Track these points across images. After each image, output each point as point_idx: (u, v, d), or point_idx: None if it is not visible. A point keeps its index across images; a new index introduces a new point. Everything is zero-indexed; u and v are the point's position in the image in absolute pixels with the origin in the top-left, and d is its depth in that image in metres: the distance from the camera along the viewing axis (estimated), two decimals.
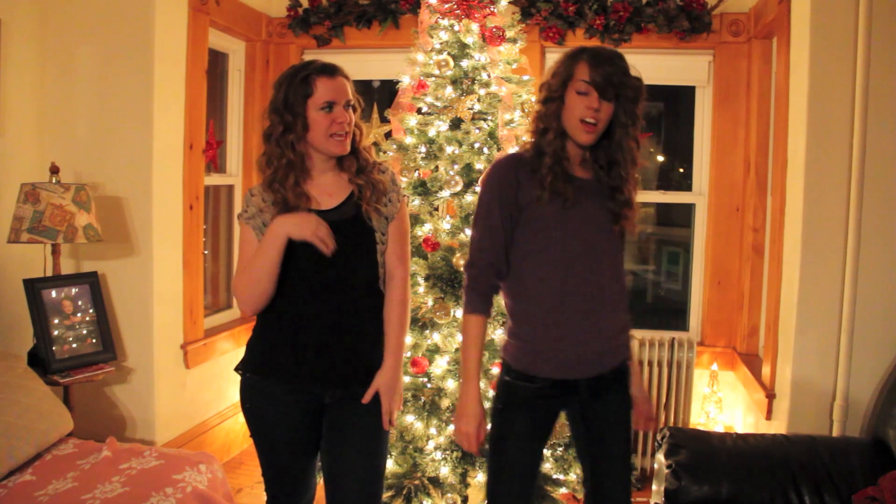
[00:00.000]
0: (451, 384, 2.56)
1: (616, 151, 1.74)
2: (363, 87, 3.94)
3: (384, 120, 2.98)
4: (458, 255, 2.56)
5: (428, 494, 2.52)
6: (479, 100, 2.66)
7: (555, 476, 2.58)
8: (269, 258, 1.75)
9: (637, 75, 1.72)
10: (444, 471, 2.52)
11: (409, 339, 2.61)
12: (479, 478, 2.54)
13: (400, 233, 1.91)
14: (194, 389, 3.30)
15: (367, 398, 1.83)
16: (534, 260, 1.76)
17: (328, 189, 1.85)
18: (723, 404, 3.37)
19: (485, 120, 2.68)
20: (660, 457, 2.29)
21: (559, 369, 1.77)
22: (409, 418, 2.58)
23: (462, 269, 2.42)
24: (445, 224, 2.64)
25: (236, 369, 1.91)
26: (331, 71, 1.79)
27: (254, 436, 1.91)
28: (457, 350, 2.59)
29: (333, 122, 1.77)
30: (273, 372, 1.84)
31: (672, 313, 3.82)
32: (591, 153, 1.79)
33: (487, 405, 2.61)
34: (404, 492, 2.52)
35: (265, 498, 1.96)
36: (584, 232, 1.75)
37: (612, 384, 1.83)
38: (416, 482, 2.52)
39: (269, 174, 1.81)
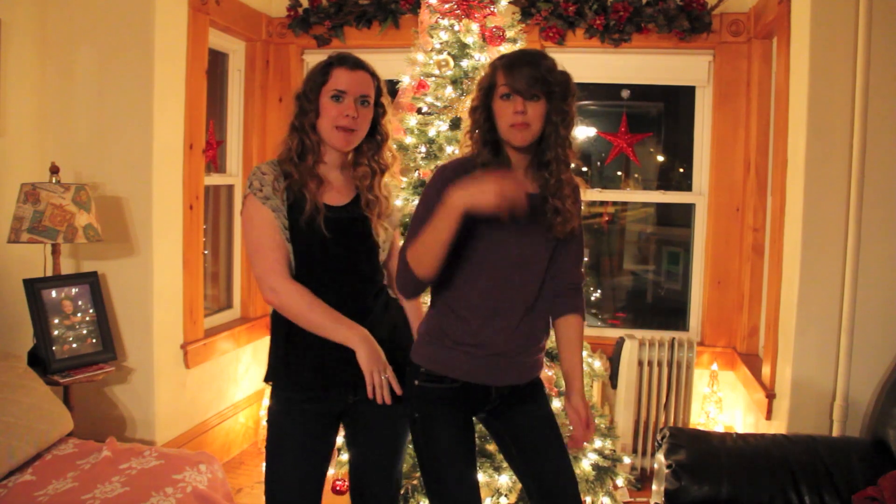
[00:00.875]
0: None
1: (546, 152, 1.70)
2: None
3: None
4: None
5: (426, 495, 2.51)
6: None
7: None
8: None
9: (563, 70, 1.70)
10: None
11: None
12: (480, 478, 2.53)
13: (396, 243, 1.96)
14: (194, 389, 3.30)
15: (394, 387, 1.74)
16: (467, 266, 1.72)
17: (337, 186, 1.84)
18: (723, 404, 3.37)
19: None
20: (660, 457, 2.29)
21: (473, 375, 1.74)
22: None
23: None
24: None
25: (266, 380, 1.87)
26: (351, 63, 1.79)
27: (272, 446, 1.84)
28: None
29: (339, 114, 1.75)
30: (295, 380, 1.81)
31: (672, 313, 3.82)
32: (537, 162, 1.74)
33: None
34: (403, 492, 2.52)
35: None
36: (515, 245, 1.72)
37: (527, 394, 1.83)
38: (415, 482, 2.52)
39: (284, 152, 1.80)
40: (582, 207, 1.82)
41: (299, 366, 1.79)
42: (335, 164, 1.85)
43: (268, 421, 1.87)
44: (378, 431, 1.87)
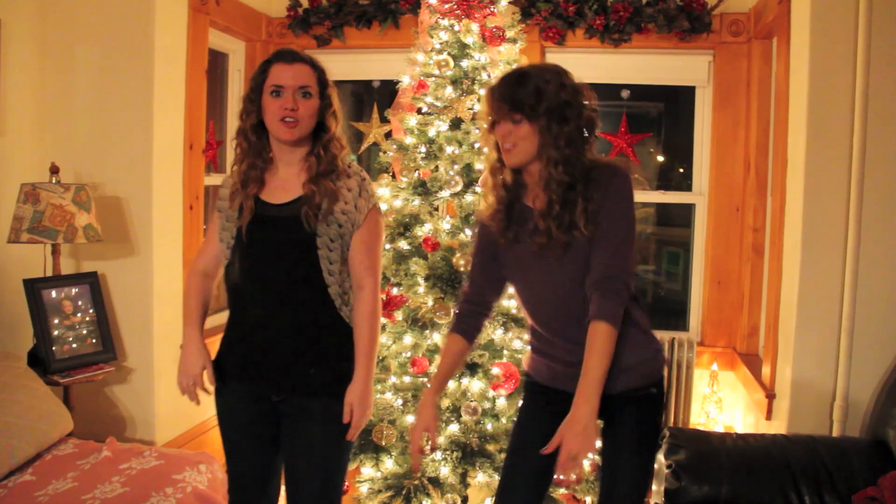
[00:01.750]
0: (450, 384, 2.56)
1: (545, 170, 1.68)
2: (363, 87, 3.94)
3: (384, 120, 2.99)
4: (458, 255, 2.56)
5: (428, 494, 2.52)
6: (479, 100, 2.66)
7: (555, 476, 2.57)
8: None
9: (554, 86, 1.64)
10: (445, 471, 2.52)
11: (408, 339, 2.61)
12: (479, 478, 2.54)
13: (365, 242, 1.83)
14: None
15: (345, 417, 1.79)
16: (519, 300, 1.88)
17: (284, 184, 1.82)
18: (723, 404, 3.37)
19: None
20: (660, 457, 2.29)
21: (556, 383, 1.83)
22: (410, 418, 2.58)
23: (461, 268, 2.44)
24: (445, 224, 2.64)
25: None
26: (287, 57, 1.77)
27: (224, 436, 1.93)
28: None
29: (279, 108, 1.74)
30: (226, 370, 1.88)
31: (672, 313, 3.82)
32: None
33: (486, 405, 2.61)
34: (404, 492, 2.52)
35: None
36: (535, 273, 1.75)
37: (619, 405, 1.75)
38: (416, 482, 2.52)
39: (236, 157, 1.84)
40: (615, 195, 1.67)
41: (230, 345, 1.89)
42: (289, 161, 1.82)
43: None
44: (300, 438, 1.83)
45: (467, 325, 1.88)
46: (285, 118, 1.74)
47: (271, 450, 1.88)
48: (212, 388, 1.88)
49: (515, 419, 1.94)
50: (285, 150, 1.81)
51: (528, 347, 1.93)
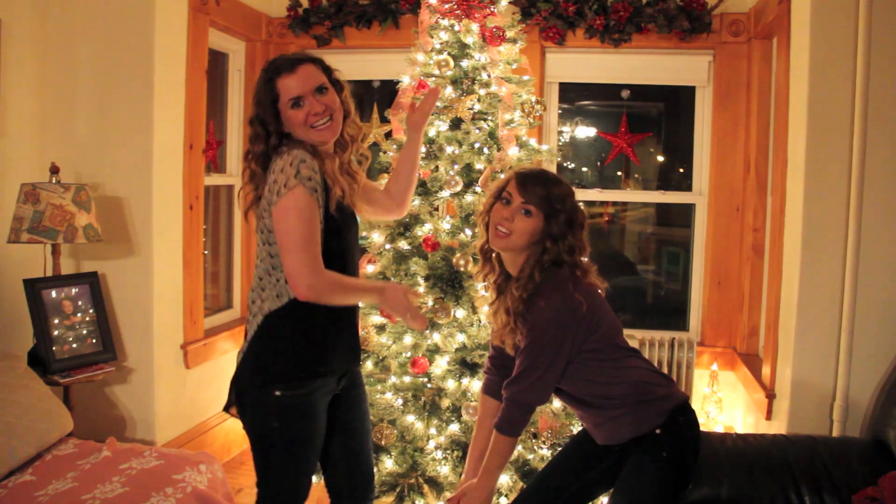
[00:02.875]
0: (451, 384, 2.56)
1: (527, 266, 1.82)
2: (363, 87, 3.94)
3: (384, 120, 2.98)
4: (458, 255, 2.56)
5: (422, 494, 2.52)
6: (479, 100, 2.66)
7: None
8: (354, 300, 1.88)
9: (573, 202, 1.82)
10: (445, 470, 2.52)
11: (408, 339, 2.61)
12: None
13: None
14: (194, 389, 3.30)
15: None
16: None
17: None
18: (723, 404, 3.37)
19: (485, 120, 2.68)
20: None
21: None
22: (410, 418, 2.58)
23: (461, 268, 2.54)
24: (445, 224, 2.64)
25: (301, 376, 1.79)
26: (287, 66, 1.73)
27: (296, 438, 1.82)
28: (457, 350, 2.59)
29: (308, 115, 1.73)
30: (330, 364, 1.82)
31: (672, 313, 3.82)
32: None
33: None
34: (398, 490, 2.52)
35: None
36: None
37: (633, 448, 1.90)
38: (412, 481, 2.52)
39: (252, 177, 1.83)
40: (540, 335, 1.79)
41: (334, 349, 1.81)
42: (328, 153, 1.82)
43: (289, 408, 1.76)
44: (358, 416, 1.96)
45: (494, 384, 2.00)
46: (316, 124, 1.73)
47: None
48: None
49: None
50: (324, 149, 1.81)
51: None
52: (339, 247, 1.78)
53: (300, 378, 1.76)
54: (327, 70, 1.81)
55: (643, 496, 1.84)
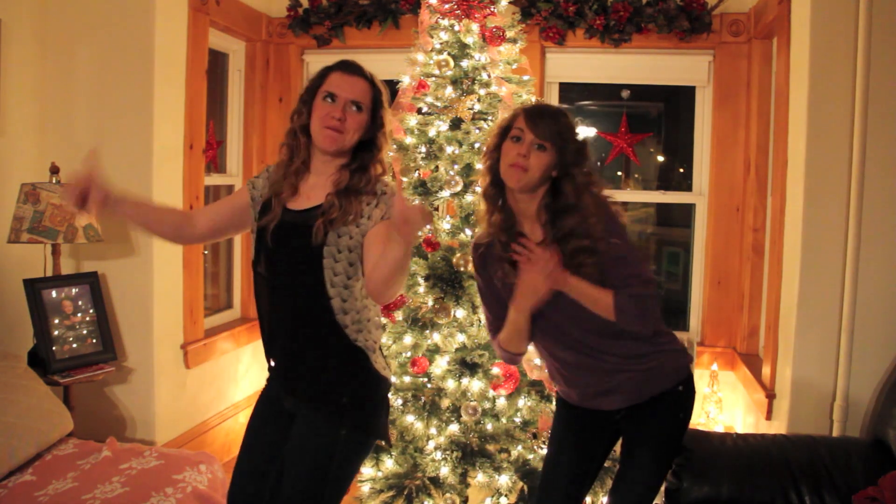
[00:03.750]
0: (451, 384, 2.56)
1: (563, 211, 1.77)
2: None
3: None
4: (458, 255, 2.56)
5: (429, 494, 2.52)
6: (479, 100, 2.66)
7: None
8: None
9: (581, 137, 1.80)
10: (445, 471, 2.52)
11: (408, 339, 2.61)
12: (479, 478, 2.54)
13: (380, 234, 1.70)
14: (194, 389, 3.30)
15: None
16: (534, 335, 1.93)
17: (310, 191, 1.78)
18: (723, 404, 3.37)
19: (485, 120, 2.68)
20: None
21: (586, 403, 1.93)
22: (410, 418, 2.58)
23: (461, 268, 2.53)
24: (445, 224, 2.64)
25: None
26: (348, 68, 1.79)
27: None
28: (457, 350, 2.59)
29: (327, 114, 1.72)
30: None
31: (672, 313, 3.81)
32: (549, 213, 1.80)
33: (486, 405, 2.61)
34: (405, 492, 2.52)
35: None
36: (548, 308, 1.81)
37: (649, 408, 1.87)
38: (417, 482, 2.52)
39: (283, 156, 1.83)
40: (613, 230, 1.77)
41: (269, 351, 1.85)
42: (323, 171, 1.78)
43: None
44: (301, 448, 1.75)
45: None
46: (330, 126, 1.72)
47: (275, 453, 1.81)
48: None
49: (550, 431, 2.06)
50: (322, 159, 1.78)
51: (553, 381, 2.01)
52: (254, 261, 1.81)
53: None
54: (377, 101, 1.80)
55: (668, 457, 1.88)
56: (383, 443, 1.85)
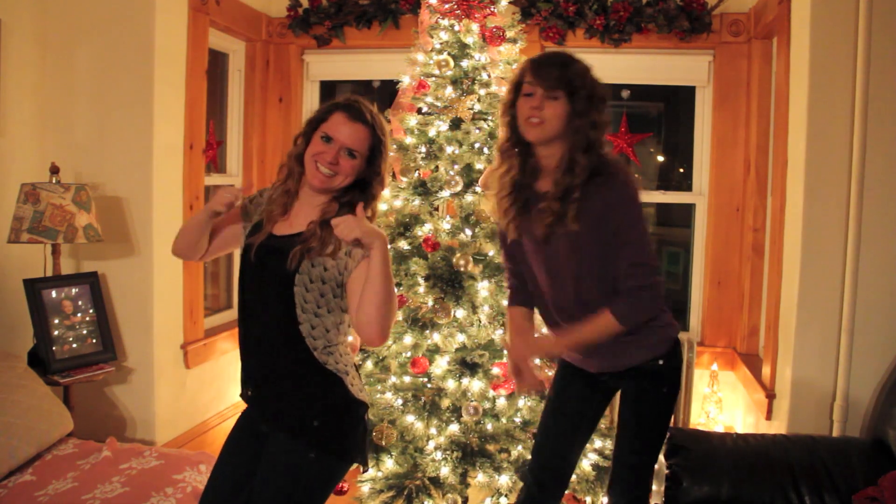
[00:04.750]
0: (451, 384, 2.56)
1: (568, 153, 1.74)
2: (363, 87, 3.94)
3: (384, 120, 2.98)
4: (458, 255, 2.56)
5: (429, 495, 2.52)
6: (479, 100, 2.66)
7: None
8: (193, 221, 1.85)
9: (593, 77, 1.75)
10: (445, 471, 2.52)
11: (408, 339, 2.61)
12: (479, 478, 2.54)
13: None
14: (194, 389, 3.30)
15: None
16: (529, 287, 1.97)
17: (294, 217, 1.77)
18: (723, 404, 3.37)
19: (485, 120, 2.68)
20: (660, 457, 2.29)
21: (573, 360, 1.98)
22: (410, 418, 2.58)
23: (461, 268, 2.55)
24: (445, 224, 2.64)
25: None
26: (352, 112, 1.72)
27: None
28: (457, 350, 2.59)
29: (321, 153, 1.70)
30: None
31: (672, 313, 3.81)
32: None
33: (486, 405, 2.61)
34: (405, 492, 2.52)
35: None
36: (539, 258, 1.85)
37: (630, 378, 1.91)
38: (417, 482, 2.52)
39: (280, 178, 1.82)
40: (623, 203, 1.75)
41: (244, 371, 1.85)
42: (310, 202, 1.77)
43: None
44: (269, 470, 1.73)
45: (522, 297, 1.98)
46: (322, 167, 1.71)
47: (248, 472, 1.78)
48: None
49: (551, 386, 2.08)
50: (310, 193, 1.77)
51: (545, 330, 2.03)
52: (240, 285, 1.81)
53: None
54: (376, 149, 1.75)
55: (655, 433, 1.91)
56: (362, 466, 1.84)
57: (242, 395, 1.85)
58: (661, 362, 1.86)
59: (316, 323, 1.71)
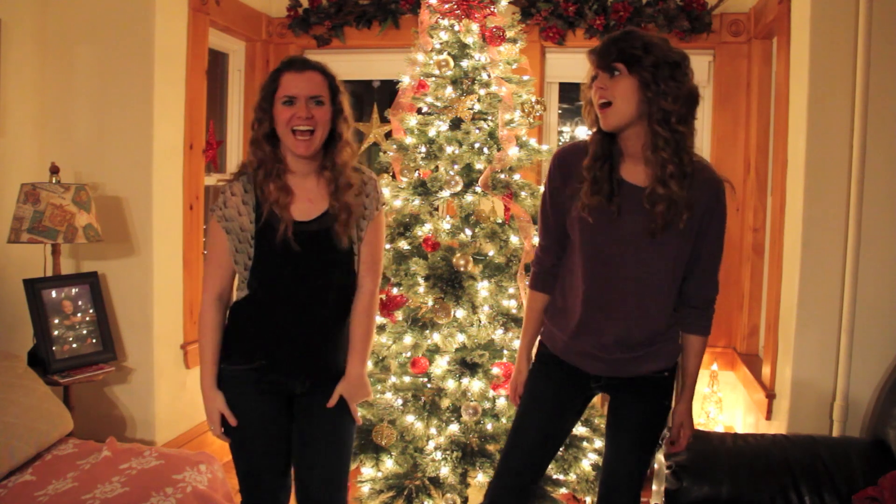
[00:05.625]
0: (451, 384, 2.56)
1: (650, 130, 1.60)
2: (363, 87, 3.94)
3: (384, 120, 2.98)
4: (458, 254, 2.56)
5: (429, 495, 2.52)
6: (479, 100, 2.66)
7: (555, 476, 2.57)
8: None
9: (656, 43, 1.59)
10: (444, 471, 2.52)
11: (408, 339, 2.61)
12: (479, 478, 2.54)
13: (370, 243, 1.88)
14: (194, 389, 3.29)
15: (331, 402, 1.87)
16: (572, 251, 1.81)
17: (310, 194, 1.82)
18: (723, 404, 3.37)
19: (485, 120, 2.68)
20: (660, 457, 2.29)
21: (568, 357, 1.85)
22: (410, 418, 2.58)
23: (461, 268, 2.53)
24: (445, 224, 2.64)
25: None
26: (297, 65, 1.78)
27: (228, 433, 1.88)
28: (457, 350, 2.59)
29: (293, 117, 1.73)
30: (249, 363, 1.86)
31: None
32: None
33: (486, 405, 2.61)
34: (405, 492, 2.52)
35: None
36: (611, 242, 1.71)
37: (629, 388, 1.85)
38: (417, 482, 2.52)
39: (250, 171, 1.81)
40: (723, 213, 1.70)
41: (242, 336, 1.86)
42: (305, 172, 1.82)
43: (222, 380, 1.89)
44: (323, 433, 1.87)
45: (548, 281, 1.90)
46: (299, 127, 1.72)
47: (287, 449, 1.91)
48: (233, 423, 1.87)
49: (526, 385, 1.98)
50: (301, 162, 1.80)
51: (547, 317, 1.91)
52: (265, 275, 1.82)
53: (226, 355, 1.87)
54: (334, 88, 1.80)
55: (650, 443, 1.88)
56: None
57: (261, 369, 1.85)
58: (666, 374, 1.84)
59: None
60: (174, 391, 3.15)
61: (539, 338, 1.95)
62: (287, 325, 1.84)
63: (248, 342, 1.85)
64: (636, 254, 1.69)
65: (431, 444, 2.59)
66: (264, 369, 1.84)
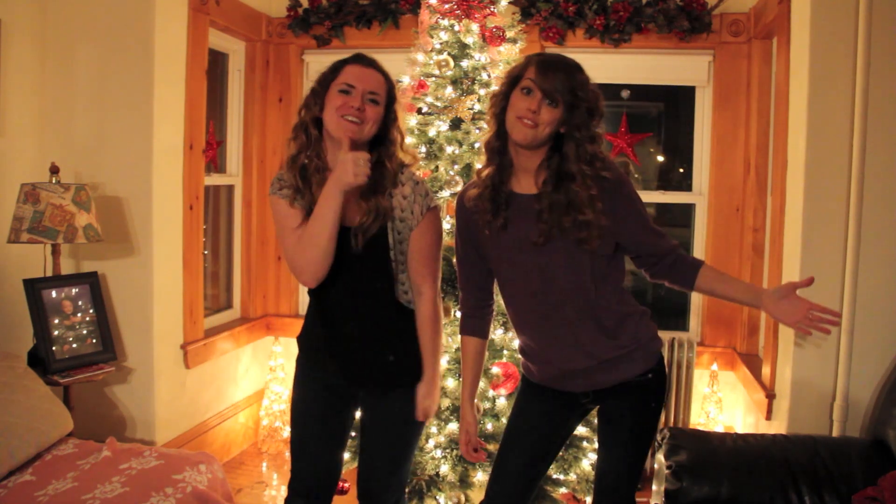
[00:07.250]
0: (450, 383, 2.56)
1: (569, 164, 1.69)
2: None
3: None
4: None
5: (429, 494, 2.52)
6: (479, 100, 2.67)
7: (555, 476, 2.58)
8: (323, 220, 1.70)
9: (594, 89, 1.71)
10: (444, 469, 2.52)
11: None
12: (479, 477, 2.54)
13: (421, 249, 1.84)
14: (194, 389, 3.30)
15: (418, 415, 1.90)
16: (499, 285, 1.89)
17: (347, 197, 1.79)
18: (723, 404, 3.37)
19: (485, 120, 2.68)
20: (660, 457, 2.29)
21: (551, 384, 1.87)
22: None
23: None
24: (446, 224, 2.64)
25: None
26: (364, 61, 1.79)
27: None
28: (457, 350, 2.59)
29: (345, 104, 1.72)
30: (311, 359, 1.95)
31: (672, 313, 3.81)
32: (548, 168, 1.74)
33: (486, 405, 2.62)
34: (414, 486, 2.52)
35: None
36: (516, 253, 1.77)
37: (616, 395, 1.84)
38: (425, 478, 2.52)
39: (291, 151, 1.81)
40: (627, 195, 1.75)
41: (312, 336, 1.94)
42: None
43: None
44: (385, 428, 1.93)
45: (475, 324, 1.93)
46: (349, 115, 1.72)
47: (340, 444, 2.00)
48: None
49: (512, 408, 2.00)
50: (336, 154, 1.77)
51: (520, 354, 1.95)
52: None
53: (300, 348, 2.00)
54: (392, 94, 1.81)
55: (643, 448, 1.86)
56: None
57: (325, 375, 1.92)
58: (650, 375, 1.82)
59: (404, 284, 1.89)
60: (174, 391, 3.15)
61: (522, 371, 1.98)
62: (332, 334, 1.88)
63: (313, 348, 1.97)
64: (546, 261, 1.74)
65: (431, 443, 2.59)
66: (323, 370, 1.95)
